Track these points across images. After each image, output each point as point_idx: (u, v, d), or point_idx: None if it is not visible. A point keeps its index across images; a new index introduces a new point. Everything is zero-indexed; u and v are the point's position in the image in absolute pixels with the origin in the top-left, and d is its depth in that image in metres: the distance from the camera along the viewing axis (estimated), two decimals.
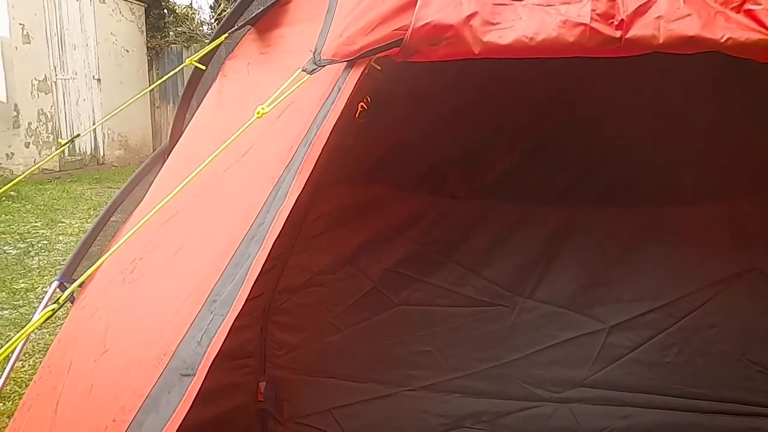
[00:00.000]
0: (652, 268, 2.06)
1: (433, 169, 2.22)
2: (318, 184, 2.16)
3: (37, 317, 1.27)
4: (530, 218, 2.17)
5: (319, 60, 1.40)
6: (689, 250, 2.05)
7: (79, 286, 1.28)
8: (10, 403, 2.79)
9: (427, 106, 2.14)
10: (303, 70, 1.37)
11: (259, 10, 1.78)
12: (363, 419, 2.10)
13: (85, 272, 2.20)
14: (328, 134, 1.30)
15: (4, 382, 2.15)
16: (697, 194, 2.07)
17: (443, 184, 2.21)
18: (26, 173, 1.46)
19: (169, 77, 1.85)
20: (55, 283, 2.13)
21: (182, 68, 2.04)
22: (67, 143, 1.63)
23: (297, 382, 2.12)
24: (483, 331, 2.11)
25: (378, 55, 1.37)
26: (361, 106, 2.15)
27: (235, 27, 1.80)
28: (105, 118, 1.89)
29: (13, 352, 1.23)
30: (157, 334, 1.19)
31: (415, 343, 2.14)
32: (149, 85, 10.37)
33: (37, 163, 8.29)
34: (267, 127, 1.33)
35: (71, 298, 2.24)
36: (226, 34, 1.81)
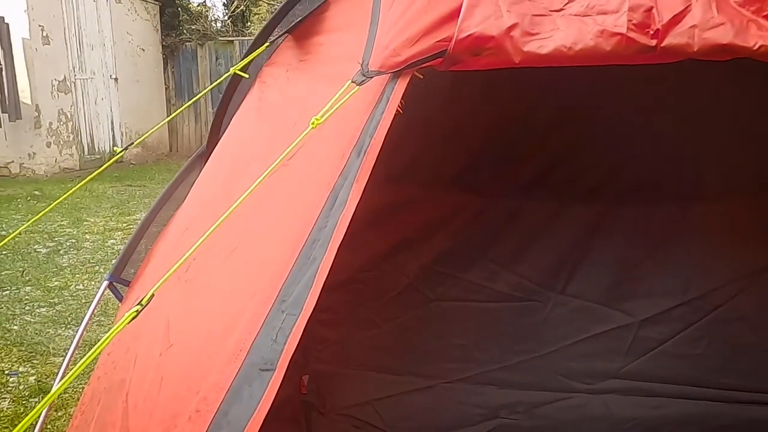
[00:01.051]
0: (681, 264, 2.13)
1: (465, 169, 2.29)
2: None
3: (122, 319, 1.35)
4: (560, 216, 2.24)
5: (368, 71, 1.47)
6: (717, 245, 2.12)
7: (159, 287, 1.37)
8: (58, 399, 2.90)
9: (458, 107, 2.20)
10: (353, 82, 1.44)
11: (297, 19, 1.84)
12: (402, 410, 2.18)
13: (132, 273, 2.30)
14: (381, 142, 1.38)
15: (64, 373, 2.26)
16: (723, 190, 2.13)
17: (475, 183, 2.28)
18: (83, 181, 1.51)
19: (212, 87, 1.92)
20: (105, 283, 2.23)
21: (223, 79, 2.11)
22: (122, 151, 1.69)
23: (338, 376, 2.21)
24: (517, 326, 2.19)
25: (422, 66, 1.44)
26: (397, 110, 2.22)
27: (276, 35, 1.87)
28: (151, 132, 1.94)
29: (99, 355, 1.32)
30: (225, 330, 1.27)
31: (451, 337, 2.21)
32: (165, 83, 10.48)
33: (58, 162, 8.44)
34: (313, 133, 1.40)
35: (120, 297, 2.34)
36: (267, 42, 1.87)
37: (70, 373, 1.10)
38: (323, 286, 2.39)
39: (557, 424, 2.13)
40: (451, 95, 2.11)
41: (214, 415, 1.11)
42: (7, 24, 7.54)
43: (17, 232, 1.80)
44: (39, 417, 2.03)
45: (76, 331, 2.11)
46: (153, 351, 1.41)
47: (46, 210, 1.72)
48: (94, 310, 2.13)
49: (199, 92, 10.43)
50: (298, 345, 2.40)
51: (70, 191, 1.82)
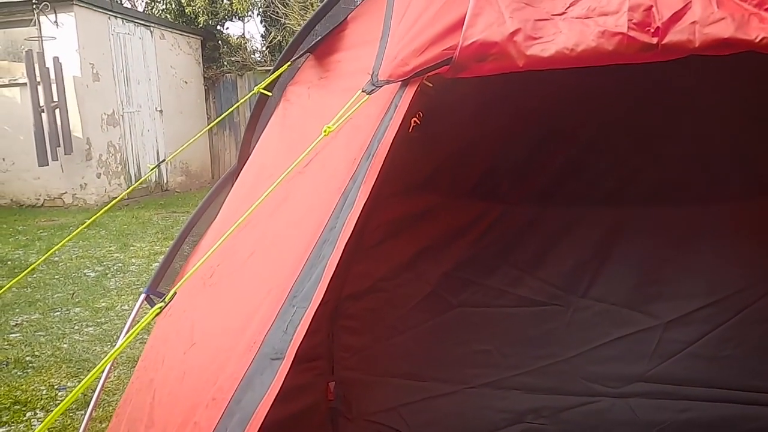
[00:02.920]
0: (706, 264, 2.10)
1: (484, 177, 2.33)
2: (376, 197, 2.30)
3: (147, 315, 1.44)
4: (581, 220, 2.25)
5: (377, 81, 1.54)
6: (742, 245, 2.08)
7: (179, 286, 1.46)
8: (101, 410, 3.04)
9: (476, 117, 2.25)
10: (363, 91, 1.52)
11: (317, 39, 1.94)
12: (427, 415, 2.20)
13: (167, 286, 2.42)
14: (389, 146, 1.44)
15: (102, 388, 2.38)
16: (747, 189, 2.10)
17: (495, 191, 2.31)
18: (114, 200, 1.66)
19: (238, 105, 2.04)
20: (143, 296, 2.36)
21: (249, 97, 2.23)
22: (155, 167, 1.84)
23: (364, 382, 2.25)
24: (540, 330, 2.19)
25: (429, 73, 1.50)
26: (414, 122, 2.29)
27: (297, 55, 1.97)
28: (179, 150, 2.11)
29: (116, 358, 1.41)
30: (243, 325, 1.35)
31: (475, 342, 2.23)
32: (206, 114, 10.89)
33: (108, 192, 8.85)
34: (328, 141, 1.48)
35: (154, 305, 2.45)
36: (289, 62, 1.98)
37: (99, 365, 1.19)
38: (347, 294, 2.46)
39: (582, 429, 2.11)
40: (468, 106, 2.16)
41: (228, 403, 1.17)
42: (61, 63, 8.03)
43: (51, 252, 1.92)
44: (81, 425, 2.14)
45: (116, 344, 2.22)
46: (178, 351, 1.50)
47: (67, 239, 1.83)
48: (134, 318, 2.24)
49: (239, 121, 10.73)
50: (329, 353, 2.46)
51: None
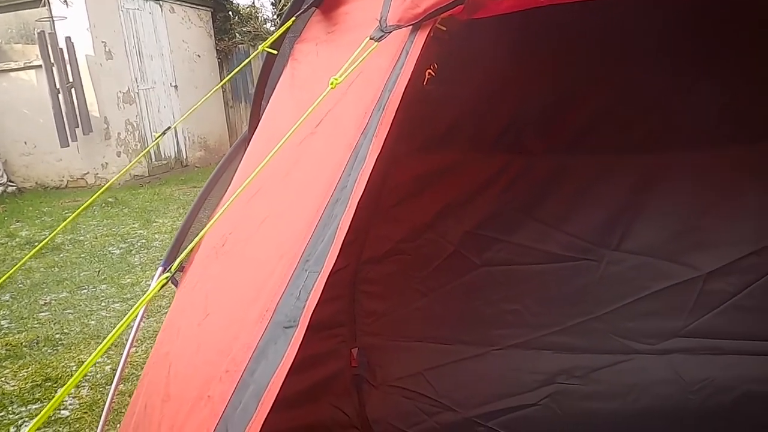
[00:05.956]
0: (751, 209, 1.94)
1: (506, 128, 2.19)
2: (393, 156, 2.20)
3: (153, 287, 1.38)
4: (612, 168, 2.10)
5: (386, 27, 1.42)
6: None
7: (186, 257, 1.39)
8: (129, 384, 3.05)
9: (495, 66, 2.11)
10: (371, 38, 1.40)
11: None
12: (454, 379, 2.13)
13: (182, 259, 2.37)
14: (401, 96, 1.33)
15: (125, 362, 2.36)
16: None
17: (518, 142, 2.18)
18: (117, 176, 1.63)
19: (241, 67, 1.94)
20: (160, 269, 2.32)
21: (251, 59, 2.12)
22: (160, 136, 1.78)
23: (387, 348, 2.19)
24: (570, 287, 2.08)
25: (442, 15, 1.38)
26: (429, 73, 2.16)
27: (302, 9, 1.85)
28: (181, 119, 2.08)
29: (134, 319, 1.36)
30: (255, 294, 1.28)
31: (502, 302, 2.14)
32: (221, 87, 10.80)
33: (129, 170, 8.88)
34: (338, 97, 1.38)
35: (175, 282, 2.42)
36: (294, 18, 1.86)
37: (105, 340, 1.13)
38: (367, 258, 2.38)
39: (618, 388, 2.02)
40: (486, 55, 2.03)
41: (242, 374, 1.11)
42: (73, 43, 7.98)
43: (55, 232, 1.87)
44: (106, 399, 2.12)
45: (136, 321, 2.20)
46: (193, 322, 1.45)
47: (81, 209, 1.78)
48: (152, 292, 2.21)
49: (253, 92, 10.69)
50: (351, 319, 2.40)
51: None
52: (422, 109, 2.08)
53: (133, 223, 6.40)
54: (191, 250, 1.38)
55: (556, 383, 2.08)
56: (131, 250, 5.45)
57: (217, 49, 10.82)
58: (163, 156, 9.55)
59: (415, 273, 2.20)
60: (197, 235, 2.28)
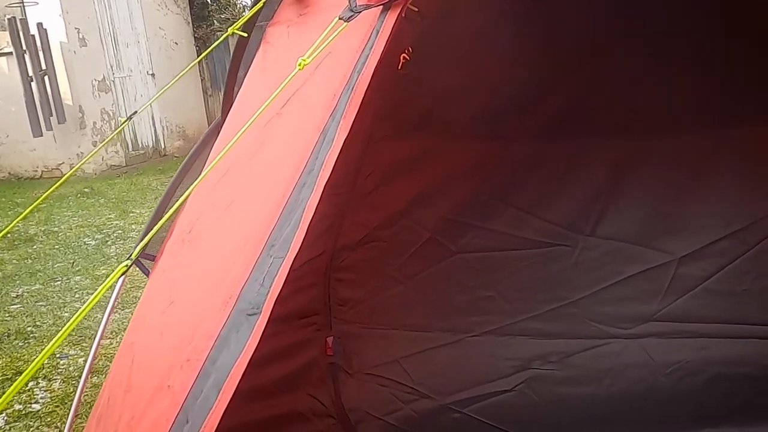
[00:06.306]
0: (722, 194, 1.96)
1: (482, 114, 2.17)
2: (368, 141, 2.17)
3: (113, 274, 1.34)
4: (587, 155, 2.10)
5: (355, 6, 1.39)
6: (761, 172, 1.94)
7: (146, 245, 1.36)
8: (102, 376, 3.00)
9: (471, 52, 2.09)
10: (340, 18, 1.37)
11: None
12: (430, 366, 2.12)
13: (153, 249, 2.32)
14: (370, 77, 1.31)
15: (95, 354, 2.31)
16: (763, 113, 1.94)
17: (494, 128, 2.16)
18: (71, 172, 1.57)
19: (212, 49, 1.89)
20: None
21: (221, 41, 2.08)
22: (126, 121, 1.72)
23: (363, 336, 2.17)
24: (545, 273, 2.08)
25: None
26: (404, 58, 2.13)
27: None
28: (149, 102, 2.01)
29: (104, 312, 1.32)
30: (219, 281, 1.25)
31: (477, 289, 2.13)
32: (200, 75, 10.64)
33: (105, 160, 8.72)
34: (305, 78, 1.35)
35: (147, 272, 2.37)
36: (264, 0, 1.82)
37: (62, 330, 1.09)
38: (342, 246, 2.35)
39: (593, 373, 2.02)
40: (461, 40, 2.01)
41: (203, 363, 1.08)
42: (46, 29, 7.79)
43: (18, 220, 1.80)
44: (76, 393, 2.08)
45: (106, 312, 2.15)
46: (157, 311, 1.41)
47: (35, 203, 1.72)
48: (112, 279, 2.17)
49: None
50: (326, 307, 2.37)
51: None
52: (397, 94, 2.06)
53: (110, 214, 6.29)
54: (151, 238, 1.34)
55: (531, 369, 2.08)
56: (107, 241, 5.35)
57: (195, 37, 10.64)
58: (140, 145, 9.39)
59: (390, 260, 2.18)
60: (167, 223, 2.23)
